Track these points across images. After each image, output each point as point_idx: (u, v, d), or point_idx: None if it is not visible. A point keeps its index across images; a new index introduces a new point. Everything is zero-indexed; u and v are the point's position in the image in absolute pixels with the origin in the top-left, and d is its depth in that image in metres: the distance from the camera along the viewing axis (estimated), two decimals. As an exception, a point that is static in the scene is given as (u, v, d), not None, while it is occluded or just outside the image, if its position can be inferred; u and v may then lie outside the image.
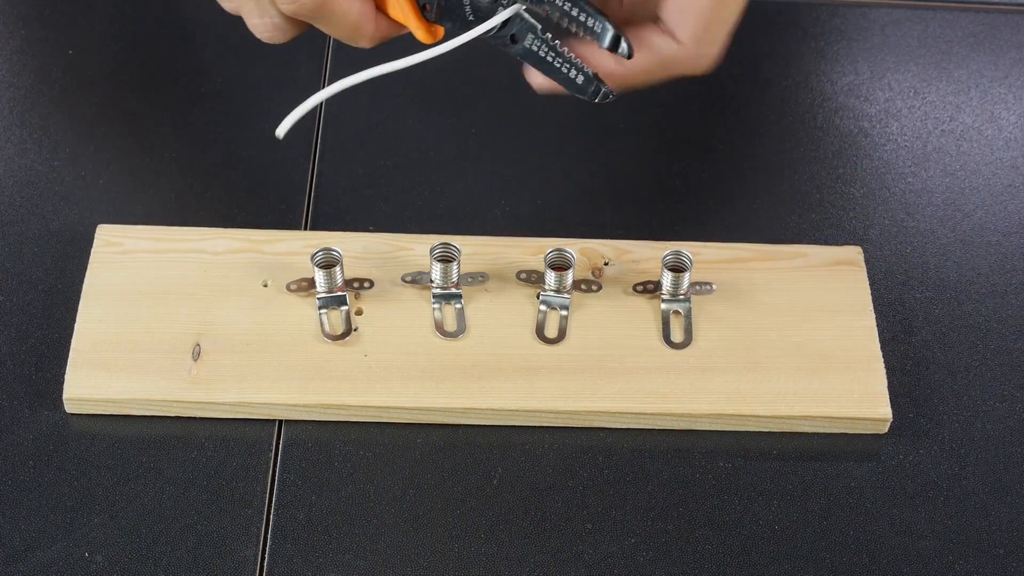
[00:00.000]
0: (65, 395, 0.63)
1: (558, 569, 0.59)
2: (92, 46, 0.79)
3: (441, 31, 0.61)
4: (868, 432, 0.64)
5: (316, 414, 0.63)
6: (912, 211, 0.73)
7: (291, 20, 0.59)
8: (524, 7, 0.59)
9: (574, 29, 0.59)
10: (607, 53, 0.59)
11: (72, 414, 0.63)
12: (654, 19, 0.60)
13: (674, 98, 0.77)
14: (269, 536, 0.60)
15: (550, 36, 0.59)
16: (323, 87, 0.61)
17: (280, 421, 0.63)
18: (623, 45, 0.58)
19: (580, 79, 0.60)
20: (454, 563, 0.59)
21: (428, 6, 0.60)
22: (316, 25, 0.59)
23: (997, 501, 0.62)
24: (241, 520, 0.60)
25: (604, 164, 0.74)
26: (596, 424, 0.64)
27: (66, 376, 0.63)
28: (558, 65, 0.60)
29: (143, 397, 0.62)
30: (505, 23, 0.59)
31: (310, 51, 0.78)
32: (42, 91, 0.76)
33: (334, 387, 0.63)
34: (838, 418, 0.63)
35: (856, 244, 0.70)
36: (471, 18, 0.60)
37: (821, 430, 0.64)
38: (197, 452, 0.62)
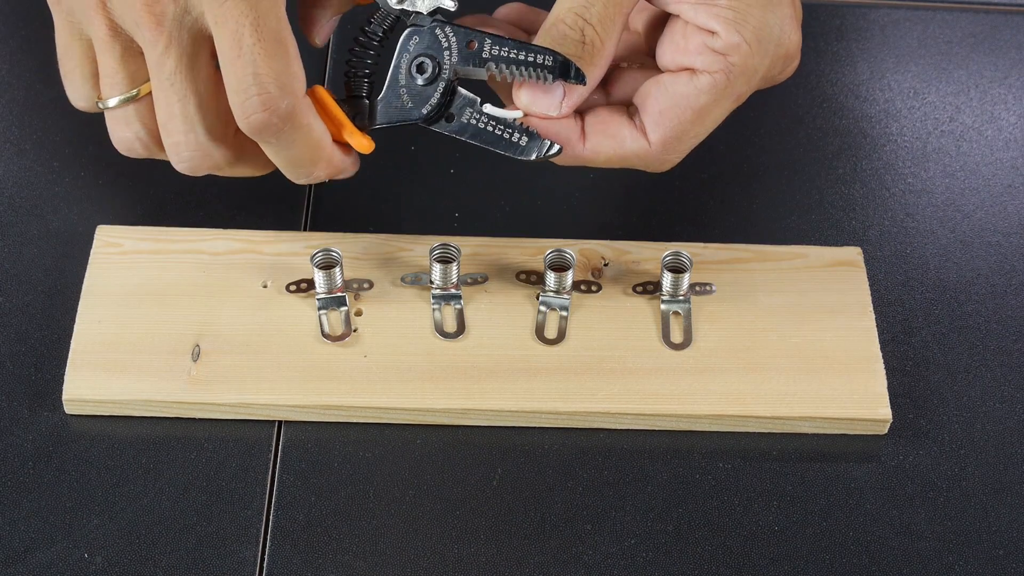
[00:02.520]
0: (64, 396, 0.63)
1: (558, 570, 0.59)
2: (92, 46, 0.79)
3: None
4: (868, 433, 0.64)
5: (316, 415, 0.63)
6: (912, 212, 0.73)
7: (224, 142, 0.58)
8: (458, 76, 0.59)
9: (521, 73, 0.58)
10: (563, 124, 0.59)
11: (71, 415, 0.63)
12: (630, 109, 0.60)
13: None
14: (269, 537, 0.60)
15: (487, 105, 0.59)
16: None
17: (280, 422, 0.63)
18: (573, 70, 0.58)
19: (524, 140, 0.59)
20: (454, 564, 0.59)
21: (356, 117, 0.60)
22: (268, 148, 0.58)
23: (997, 502, 0.62)
24: (241, 521, 0.60)
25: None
26: (596, 425, 0.64)
27: (65, 377, 0.63)
28: (499, 133, 0.59)
29: (142, 398, 0.62)
30: (444, 103, 0.59)
31: (311, 51, 0.78)
32: (42, 92, 0.76)
33: (334, 388, 0.63)
34: (838, 419, 0.63)
35: (856, 245, 0.70)
36: (409, 106, 0.60)
37: (821, 431, 0.64)
38: (196, 453, 0.62)
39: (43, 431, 0.63)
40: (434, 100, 0.59)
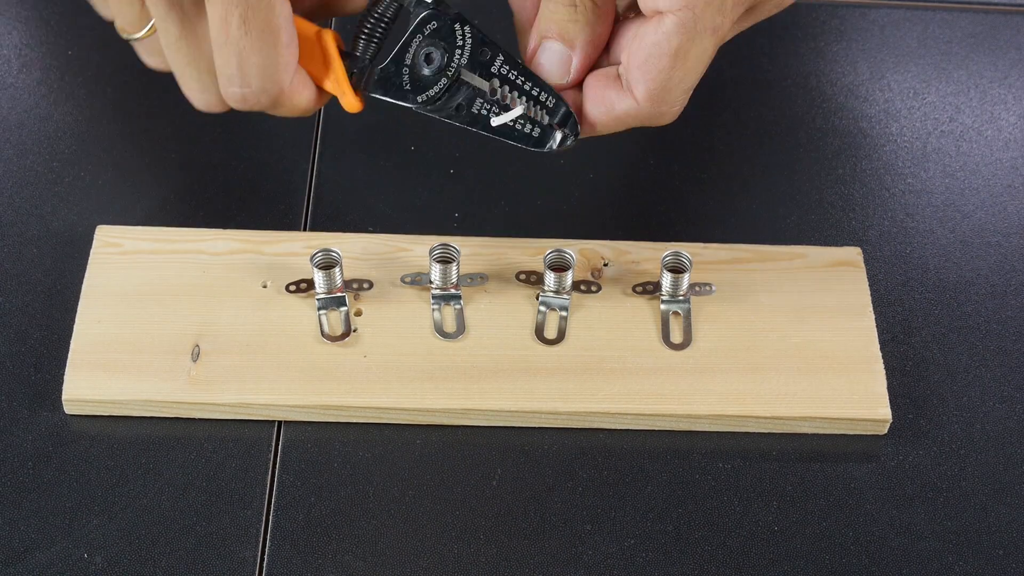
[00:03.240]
0: (64, 396, 0.63)
1: (558, 570, 0.59)
2: (92, 47, 0.79)
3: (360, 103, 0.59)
4: (868, 433, 0.64)
5: (315, 415, 0.63)
6: (912, 212, 0.73)
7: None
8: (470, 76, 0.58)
9: (521, 101, 0.58)
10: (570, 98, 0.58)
11: (71, 415, 0.63)
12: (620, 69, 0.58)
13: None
14: (268, 537, 0.60)
15: (499, 96, 0.58)
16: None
17: (279, 422, 0.63)
18: (571, 121, 0.57)
19: (536, 132, 0.59)
20: (453, 564, 0.59)
21: (355, 74, 0.59)
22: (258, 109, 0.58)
23: (997, 502, 0.62)
24: (240, 521, 0.60)
25: (603, 164, 0.74)
26: (595, 425, 0.64)
27: (65, 377, 0.63)
28: (511, 123, 0.58)
29: (142, 398, 0.62)
30: (452, 92, 0.58)
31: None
32: (42, 92, 0.76)
33: (333, 388, 0.63)
34: (838, 419, 0.63)
35: (856, 245, 0.70)
36: (407, 87, 0.59)
37: (820, 431, 0.64)
38: (196, 453, 0.62)
39: (43, 431, 0.63)
40: (432, 92, 0.59)
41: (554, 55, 0.58)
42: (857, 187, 0.74)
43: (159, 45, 0.58)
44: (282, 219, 0.71)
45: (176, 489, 0.61)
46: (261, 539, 0.60)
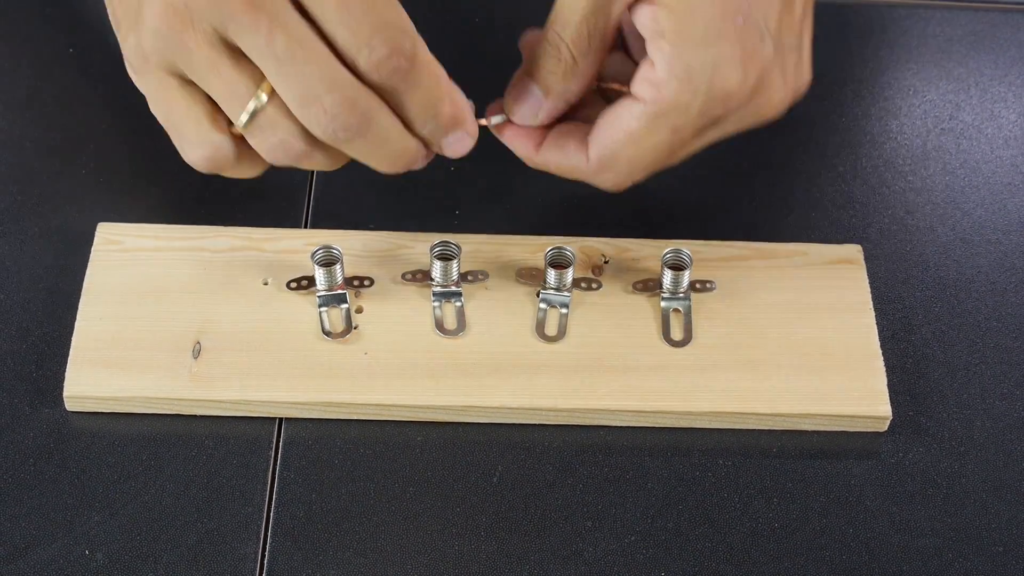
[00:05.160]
0: (65, 393, 0.63)
1: (558, 566, 0.59)
2: (93, 44, 0.79)
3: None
4: (868, 430, 0.64)
5: (316, 412, 0.63)
6: (912, 209, 0.73)
7: (365, 89, 0.55)
8: None
9: None
10: (528, 129, 0.61)
11: (72, 412, 0.63)
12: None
13: (674, 96, 0.77)
14: (269, 534, 0.60)
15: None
16: None
17: (280, 419, 0.63)
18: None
19: None
20: (454, 561, 0.59)
21: None
22: (399, 97, 0.56)
23: (997, 499, 0.62)
24: (241, 518, 0.60)
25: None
26: (596, 422, 0.64)
27: (66, 374, 0.63)
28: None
29: (143, 395, 0.63)
30: None
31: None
32: (42, 89, 0.76)
33: (334, 385, 0.63)
34: (838, 416, 0.63)
35: (856, 242, 0.70)
36: None
37: (821, 428, 0.64)
38: (197, 450, 0.62)
39: (44, 428, 0.63)
40: None
41: (530, 96, 0.61)
42: (857, 185, 0.74)
43: (275, 109, 0.56)
44: (283, 216, 0.71)
45: (177, 486, 0.61)
46: (262, 536, 0.60)
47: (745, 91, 0.58)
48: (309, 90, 0.54)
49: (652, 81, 0.58)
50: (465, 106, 0.59)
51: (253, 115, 0.55)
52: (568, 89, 0.60)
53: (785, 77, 0.60)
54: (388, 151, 0.57)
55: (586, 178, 0.62)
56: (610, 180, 0.61)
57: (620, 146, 0.59)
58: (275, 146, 0.57)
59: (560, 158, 0.61)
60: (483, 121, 0.61)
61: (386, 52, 0.54)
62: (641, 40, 0.59)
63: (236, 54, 0.55)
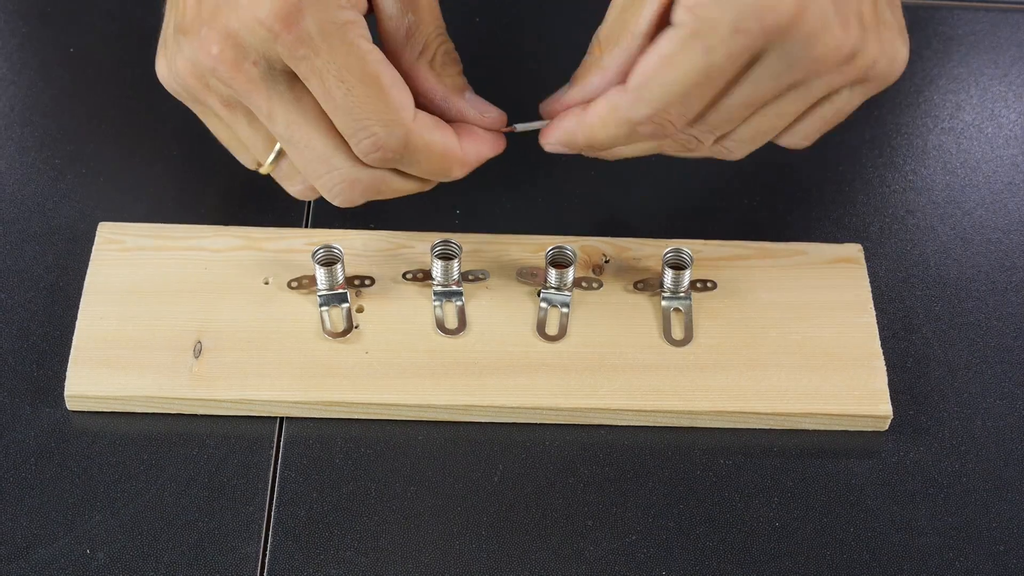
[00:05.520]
0: (66, 392, 0.63)
1: (559, 566, 0.59)
2: (93, 44, 0.79)
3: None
4: (868, 429, 0.64)
5: (317, 411, 0.63)
6: (912, 209, 0.73)
7: (366, 169, 0.59)
8: None
9: None
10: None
11: (73, 411, 0.63)
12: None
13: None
14: (270, 533, 0.60)
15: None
16: None
17: (281, 418, 0.64)
18: None
19: None
20: (455, 560, 0.59)
21: None
22: (400, 167, 0.59)
23: (997, 498, 0.62)
24: (242, 517, 0.60)
25: (604, 162, 0.74)
26: (597, 421, 0.64)
27: (67, 373, 0.63)
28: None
29: (144, 394, 0.63)
30: None
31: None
32: (43, 89, 0.76)
33: (335, 384, 0.63)
34: (838, 415, 0.63)
35: (856, 242, 0.70)
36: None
37: (821, 427, 0.64)
38: (198, 449, 0.62)
39: (45, 427, 0.63)
40: None
41: (559, 91, 0.61)
42: (858, 184, 0.74)
43: (290, 164, 0.61)
44: (284, 216, 0.71)
45: (178, 485, 0.61)
46: (263, 535, 0.60)
47: (784, 10, 0.54)
48: (308, 168, 0.59)
49: (686, 5, 0.56)
50: (483, 154, 0.61)
51: (272, 163, 0.62)
52: (590, 81, 0.59)
53: (847, 18, 0.55)
54: (406, 192, 0.61)
55: (623, 110, 0.59)
56: (645, 111, 0.58)
57: (654, 70, 0.57)
58: (296, 192, 0.63)
59: (604, 104, 0.59)
60: (521, 127, 0.61)
61: (370, 147, 0.57)
62: None
63: (251, 112, 0.59)
